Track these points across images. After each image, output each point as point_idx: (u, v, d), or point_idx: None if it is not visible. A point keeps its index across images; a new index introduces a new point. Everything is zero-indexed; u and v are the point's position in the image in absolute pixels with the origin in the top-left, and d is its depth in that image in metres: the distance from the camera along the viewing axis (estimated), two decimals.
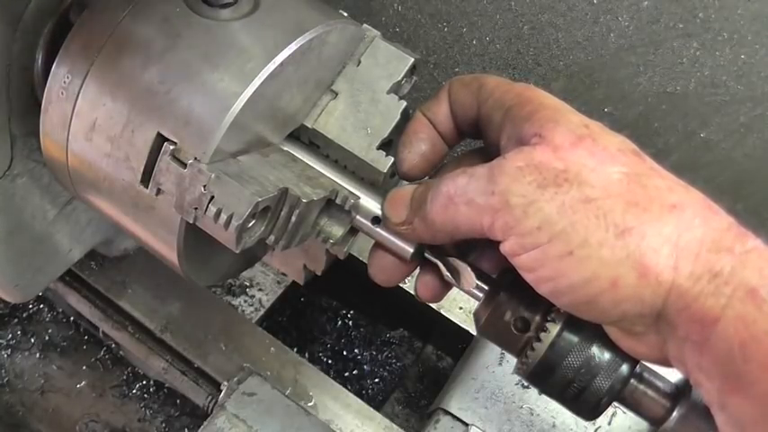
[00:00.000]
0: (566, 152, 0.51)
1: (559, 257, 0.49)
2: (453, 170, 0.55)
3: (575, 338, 0.55)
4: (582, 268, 0.49)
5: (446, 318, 1.08)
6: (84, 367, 1.14)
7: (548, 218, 0.49)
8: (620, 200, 0.49)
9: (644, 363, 0.56)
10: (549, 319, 0.55)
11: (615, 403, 0.57)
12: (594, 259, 0.49)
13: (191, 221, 0.54)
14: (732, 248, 0.48)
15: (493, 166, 0.52)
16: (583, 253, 0.49)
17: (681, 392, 0.56)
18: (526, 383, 0.91)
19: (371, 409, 0.98)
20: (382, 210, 0.60)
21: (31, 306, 1.18)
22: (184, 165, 0.55)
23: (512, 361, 0.60)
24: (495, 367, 0.99)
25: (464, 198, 0.53)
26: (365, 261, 0.64)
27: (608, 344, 0.55)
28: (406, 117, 0.63)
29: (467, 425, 0.94)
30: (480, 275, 0.60)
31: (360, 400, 0.99)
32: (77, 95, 0.60)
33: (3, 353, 1.14)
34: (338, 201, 0.60)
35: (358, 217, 0.61)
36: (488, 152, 0.59)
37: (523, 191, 0.50)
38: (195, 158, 0.55)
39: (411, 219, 0.57)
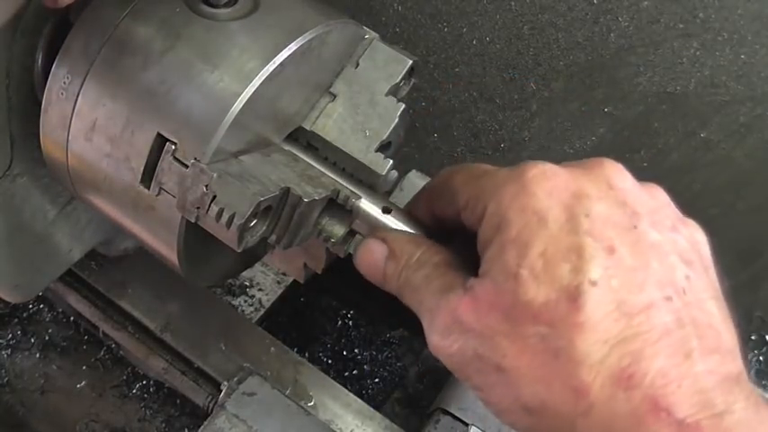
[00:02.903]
0: (483, 315, 0.48)
1: (485, 404, 0.51)
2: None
3: None
4: (502, 421, 0.50)
5: None
6: (84, 367, 1.13)
7: (469, 377, 0.50)
8: (528, 373, 0.47)
9: None
10: None
11: None
12: (507, 420, 0.50)
13: (193, 221, 0.54)
14: None
15: (432, 311, 0.51)
16: (499, 411, 0.50)
17: None
18: None
19: (371, 409, 0.98)
20: (355, 263, 0.60)
21: (31, 306, 1.18)
22: (186, 165, 0.55)
23: None
24: None
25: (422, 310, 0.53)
26: None
27: None
28: (404, 119, 0.63)
29: (467, 425, 0.94)
30: None
31: (360, 400, 0.99)
32: (77, 95, 0.60)
33: (3, 353, 1.14)
34: (339, 200, 0.60)
35: (357, 220, 0.61)
36: None
37: (449, 350, 0.50)
38: (195, 158, 0.55)
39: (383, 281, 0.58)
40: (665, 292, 0.46)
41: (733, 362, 0.47)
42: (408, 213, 0.61)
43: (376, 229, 0.61)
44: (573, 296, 0.45)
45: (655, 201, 0.51)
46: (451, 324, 0.49)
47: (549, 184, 0.49)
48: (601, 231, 0.47)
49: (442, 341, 0.50)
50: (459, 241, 0.57)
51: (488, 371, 0.48)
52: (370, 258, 0.58)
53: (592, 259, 0.46)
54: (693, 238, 0.51)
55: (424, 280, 0.53)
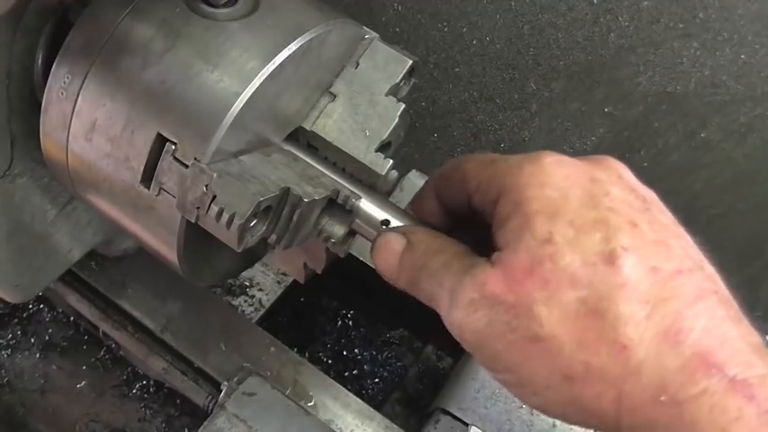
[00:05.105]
0: (518, 284, 0.47)
1: (512, 386, 0.50)
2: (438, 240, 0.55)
3: None
4: (531, 401, 0.50)
5: None
6: (84, 367, 1.13)
7: (498, 355, 0.49)
8: (569, 339, 0.46)
9: None
10: None
11: None
12: (541, 397, 0.49)
13: (193, 221, 0.54)
14: (676, 395, 0.44)
15: (454, 289, 0.50)
16: (531, 389, 0.49)
17: None
18: None
19: (371, 409, 0.98)
20: (372, 257, 0.59)
21: (31, 306, 1.18)
22: (186, 165, 0.55)
23: None
24: None
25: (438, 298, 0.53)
26: (365, 261, 0.64)
27: None
28: (404, 119, 0.63)
29: (467, 425, 0.94)
30: None
31: (360, 400, 0.99)
32: (77, 95, 0.60)
33: (3, 353, 1.14)
34: (339, 200, 0.60)
35: (357, 221, 0.61)
36: None
37: (475, 326, 0.49)
38: (195, 158, 0.55)
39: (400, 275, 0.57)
40: (687, 265, 0.48)
41: (756, 333, 0.48)
42: (410, 216, 0.61)
43: (377, 228, 0.61)
44: (610, 259, 0.46)
45: (654, 196, 0.53)
46: (478, 299, 0.48)
47: (565, 169, 0.50)
48: (621, 208, 0.48)
49: (467, 317, 0.49)
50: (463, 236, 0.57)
51: (522, 344, 0.47)
52: (388, 248, 0.57)
53: (619, 230, 0.47)
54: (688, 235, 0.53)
55: (443, 264, 0.53)
